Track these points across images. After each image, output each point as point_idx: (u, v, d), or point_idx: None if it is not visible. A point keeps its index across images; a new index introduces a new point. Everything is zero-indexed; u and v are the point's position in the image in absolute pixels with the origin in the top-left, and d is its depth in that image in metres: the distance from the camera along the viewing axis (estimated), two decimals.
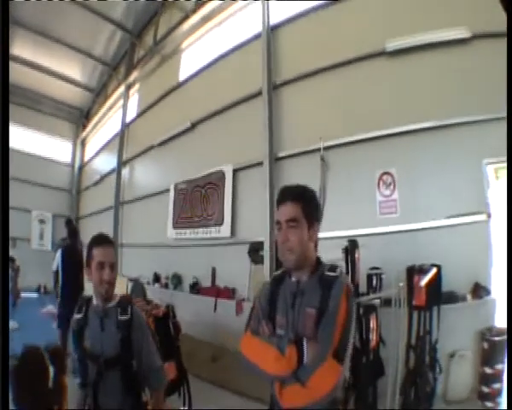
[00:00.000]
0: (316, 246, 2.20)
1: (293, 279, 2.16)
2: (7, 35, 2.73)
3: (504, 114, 5.59)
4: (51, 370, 2.05)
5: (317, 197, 2.27)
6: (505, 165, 6.01)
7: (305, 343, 1.97)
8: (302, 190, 2.20)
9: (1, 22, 2.82)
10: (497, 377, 5.26)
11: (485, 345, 5.34)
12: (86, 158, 18.05)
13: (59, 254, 7.50)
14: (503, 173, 6.04)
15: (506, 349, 2.46)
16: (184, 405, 4.16)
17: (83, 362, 2.62)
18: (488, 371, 5.29)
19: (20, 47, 13.43)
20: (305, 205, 2.11)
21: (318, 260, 2.18)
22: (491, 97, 5.77)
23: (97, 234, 2.75)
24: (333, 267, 2.11)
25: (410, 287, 4.96)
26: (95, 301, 2.70)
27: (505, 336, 5.21)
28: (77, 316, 2.74)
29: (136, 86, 13.73)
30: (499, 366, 5.26)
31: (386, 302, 5.06)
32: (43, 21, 12.48)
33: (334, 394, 1.92)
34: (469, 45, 6.25)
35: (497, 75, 5.81)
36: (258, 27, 8.69)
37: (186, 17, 10.77)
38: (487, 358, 5.34)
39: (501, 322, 5.48)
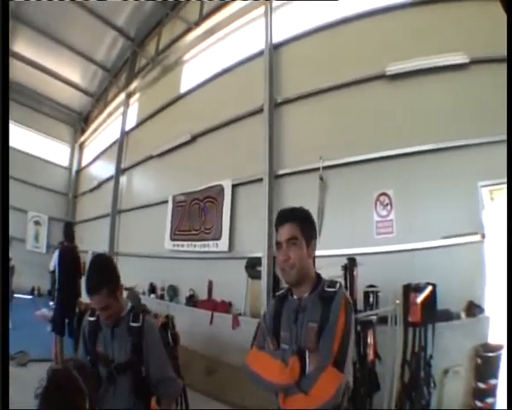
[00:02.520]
0: (314, 263, 2.33)
1: (295, 297, 2.28)
2: (7, 35, 2.74)
3: (500, 138, 5.76)
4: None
5: (312, 217, 2.38)
6: (500, 187, 6.12)
7: (307, 355, 2.08)
8: (299, 212, 2.35)
9: (1, 22, 2.84)
10: (490, 392, 5.32)
11: (479, 361, 5.40)
12: (84, 163, 17.99)
13: (56, 254, 7.54)
14: (498, 194, 6.13)
15: (506, 349, 2.51)
16: None
17: (94, 366, 2.64)
18: (481, 386, 5.33)
19: (24, 45, 13.44)
20: (302, 225, 2.26)
21: (318, 276, 2.32)
22: (487, 121, 5.95)
23: (89, 281, 2.62)
24: (332, 283, 2.24)
25: (406, 304, 5.04)
26: None
27: (498, 352, 5.30)
28: (90, 319, 2.78)
29: (137, 95, 13.75)
30: (492, 381, 5.30)
31: (382, 320, 5.17)
32: (48, 22, 12.50)
33: (336, 401, 2.01)
34: (467, 70, 6.40)
35: (494, 100, 5.96)
36: (260, 44, 8.77)
37: (189, 29, 10.83)
38: (481, 373, 5.39)
39: (494, 339, 5.58)
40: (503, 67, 5.86)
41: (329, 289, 2.20)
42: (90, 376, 2.28)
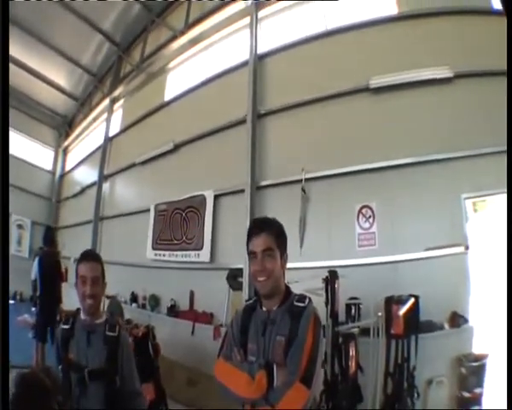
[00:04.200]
0: (284, 276, 2.34)
1: (264, 309, 2.30)
2: (7, 35, 2.71)
3: (483, 151, 5.80)
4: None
5: (285, 230, 2.39)
6: (484, 199, 6.18)
7: (275, 369, 2.09)
8: (274, 223, 2.39)
9: (1, 22, 2.81)
10: (475, 401, 5.34)
11: (463, 371, 5.44)
12: (68, 167, 17.75)
13: (36, 262, 7.43)
14: (482, 206, 6.20)
15: (506, 349, 2.52)
16: None
17: (66, 374, 2.66)
18: (466, 395, 5.38)
19: (9, 44, 13.26)
20: (277, 236, 2.29)
21: (288, 289, 2.34)
22: (470, 135, 6.08)
23: (84, 251, 2.88)
24: (301, 298, 2.26)
25: (389, 316, 5.04)
26: (82, 316, 2.76)
27: (483, 361, 5.34)
28: (64, 327, 2.80)
29: (121, 101, 13.66)
30: (477, 390, 5.35)
31: (365, 332, 5.21)
32: (34, 22, 12.31)
33: None
34: (451, 84, 6.50)
35: (477, 114, 6.03)
36: (245, 55, 8.78)
37: (175, 37, 10.76)
38: (465, 383, 5.43)
39: (478, 348, 5.61)
40: (487, 82, 5.98)
41: (299, 304, 2.22)
42: (57, 378, 2.31)
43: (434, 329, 5.69)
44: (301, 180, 7.35)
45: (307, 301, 2.25)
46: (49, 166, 17.94)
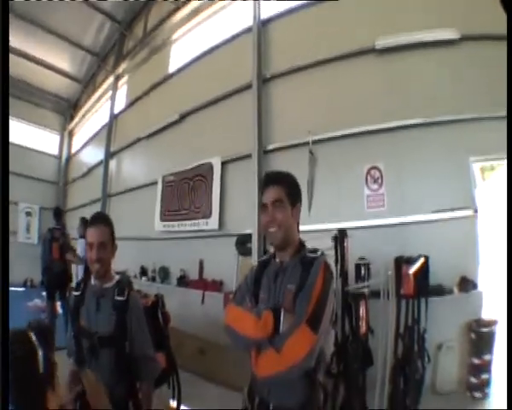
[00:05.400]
0: (298, 228, 2.35)
1: (277, 260, 2.32)
2: (7, 35, 2.70)
3: (490, 114, 5.73)
4: (40, 351, 2.02)
5: (298, 182, 2.39)
6: (492, 163, 6.12)
7: (282, 312, 2.07)
8: (285, 175, 2.38)
9: (1, 22, 2.78)
10: (485, 368, 5.36)
11: (473, 336, 5.43)
12: (74, 150, 17.79)
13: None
14: (490, 174, 6.16)
15: (507, 348, 2.51)
16: (174, 396, 4.14)
17: (78, 340, 2.67)
18: (476, 361, 5.39)
19: (10, 33, 13.20)
20: (287, 188, 2.28)
21: (301, 242, 2.33)
22: (479, 97, 5.99)
23: (93, 214, 2.88)
24: (314, 250, 2.27)
25: (399, 277, 4.93)
26: (92, 281, 2.77)
27: (493, 328, 5.35)
28: (75, 293, 2.81)
29: (125, 78, 13.61)
30: (487, 357, 5.36)
31: (374, 294, 5.08)
32: (33, 9, 12.26)
33: (308, 364, 1.98)
34: (458, 46, 6.39)
35: (486, 76, 5.95)
36: (249, 21, 8.69)
37: (177, 9, 10.66)
38: (475, 349, 5.43)
39: (488, 314, 5.60)
40: (494, 45, 5.89)
41: (311, 255, 2.23)
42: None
43: (444, 293, 5.69)
44: (308, 143, 7.29)
45: (319, 252, 2.25)
46: (55, 150, 18.00)
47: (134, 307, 2.72)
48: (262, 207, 2.29)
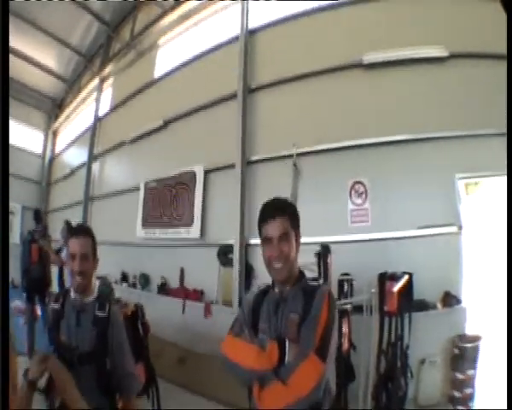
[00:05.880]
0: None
1: (277, 290, 2.22)
2: (7, 35, 2.69)
3: (475, 132, 5.80)
4: None
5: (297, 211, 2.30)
6: (476, 180, 6.19)
7: (287, 342, 2.01)
8: (288, 204, 2.30)
9: (1, 22, 2.74)
10: (468, 383, 5.39)
11: (456, 351, 5.47)
12: (57, 150, 17.50)
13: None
14: (474, 189, 6.21)
15: (507, 348, 2.52)
16: (153, 406, 4.11)
17: (58, 356, 2.54)
18: (459, 376, 5.43)
19: None
20: (292, 218, 2.19)
21: (301, 271, 2.26)
22: (465, 115, 6.07)
23: (74, 225, 2.88)
24: (315, 279, 2.29)
25: (382, 293, 4.97)
26: (72, 295, 2.69)
27: (476, 343, 5.40)
28: (54, 306, 2.73)
29: (111, 80, 13.49)
30: (470, 372, 5.39)
31: (357, 309, 5.10)
32: (21, 5, 12.09)
33: (318, 394, 1.90)
34: (446, 64, 6.46)
35: (473, 94, 6.00)
36: (236, 30, 8.66)
37: (164, 14, 10.60)
38: (458, 364, 5.47)
39: (471, 330, 5.64)
40: (483, 63, 5.95)
41: (312, 283, 2.19)
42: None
43: (427, 308, 5.72)
44: (293, 155, 7.28)
45: (321, 281, 2.36)
46: (38, 149, 17.67)
47: (115, 322, 2.66)
48: (266, 240, 2.18)
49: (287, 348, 2.00)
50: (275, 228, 2.13)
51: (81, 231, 2.78)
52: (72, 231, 2.75)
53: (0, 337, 2.13)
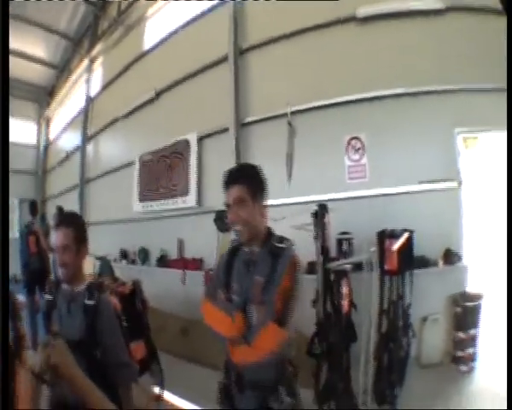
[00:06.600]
0: (265, 218, 2.46)
1: (246, 250, 2.44)
2: (7, 35, 2.67)
3: (473, 86, 5.71)
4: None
5: (261, 173, 2.44)
6: (475, 135, 6.10)
7: (252, 309, 2.27)
8: (245, 170, 2.51)
9: (1, 22, 2.66)
10: (470, 342, 5.36)
11: (458, 310, 5.42)
12: (51, 137, 17.44)
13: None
14: (473, 143, 6.13)
15: (507, 348, 2.49)
16: (156, 383, 4.06)
17: None
18: (462, 335, 5.42)
19: None
20: (249, 184, 2.35)
21: (269, 231, 2.46)
22: (464, 68, 5.95)
23: (61, 214, 2.80)
24: (281, 239, 2.39)
25: (382, 252, 4.89)
26: (63, 285, 2.68)
27: (478, 302, 5.35)
28: (47, 297, 2.75)
29: (100, 59, 13.32)
30: (472, 331, 5.36)
31: (357, 267, 5.00)
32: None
33: (280, 352, 2.22)
34: (444, 16, 6.32)
35: (472, 47, 5.87)
36: None
37: None
38: (460, 323, 5.45)
39: (473, 288, 5.61)
40: (480, 17, 5.83)
41: (278, 245, 2.34)
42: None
43: (428, 265, 5.68)
44: (287, 114, 7.14)
45: (288, 243, 2.36)
46: (32, 140, 17.64)
47: (104, 310, 2.59)
48: (226, 205, 2.38)
49: (252, 315, 2.26)
50: (231, 194, 2.33)
51: (62, 222, 2.69)
52: (55, 221, 2.68)
53: (0, 339, 2.06)
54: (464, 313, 5.37)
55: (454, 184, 5.91)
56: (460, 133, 6.07)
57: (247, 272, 2.36)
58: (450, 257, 5.71)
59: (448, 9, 6.23)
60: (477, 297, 5.39)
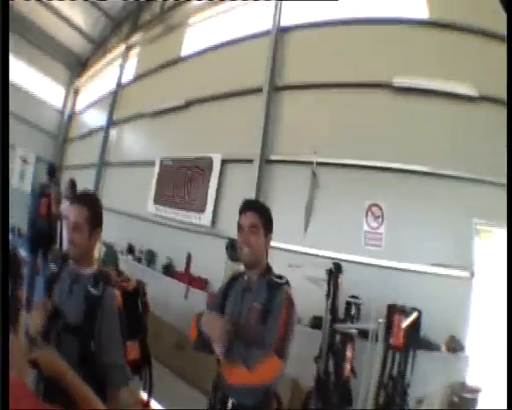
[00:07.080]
0: (267, 254, 2.71)
1: (245, 278, 2.69)
2: (7, 35, 2.70)
3: (492, 179, 5.66)
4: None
5: (271, 214, 2.74)
6: (489, 228, 6.09)
7: (243, 332, 2.44)
8: (262, 205, 2.88)
9: (1, 22, 2.74)
10: None
11: (455, 399, 5.40)
12: (77, 108, 17.42)
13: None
14: (486, 237, 6.12)
15: (507, 348, 2.62)
16: (145, 389, 4.11)
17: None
18: None
19: None
20: (264, 218, 2.66)
21: (268, 266, 2.70)
22: (488, 160, 5.92)
23: (78, 191, 2.80)
24: (280, 276, 2.62)
25: (389, 325, 5.03)
26: (71, 261, 2.64)
27: (476, 395, 5.32)
28: (52, 266, 2.78)
29: (137, 49, 13.40)
30: None
31: (362, 334, 5.15)
32: None
33: (272, 384, 2.43)
34: (475, 105, 6.35)
35: (499, 142, 5.93)
36: (267, 24, 8.52)
37: None
38: None
39: (472, 380, 5.55)
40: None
41: (277, 280, 2.57)
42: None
43: (431, 348, 5.65)
44: (312, 162, 7.20)
45: (284, 280, 2.59)
46: (59, 104, 17.53)
47: (107, 306, 2.49)
48: (239, 227, 2.63)
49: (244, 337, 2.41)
50: (247, 219, 2.60)
51: (78, 198, 2.70)
52: (71, 195, 2.74)
53: (0, 339, 2.13)
54: (461, 404, 5.25)
55: (466, 274, 5.91)
56: (478, 225, 6.08)
57: (241, 298, 2.60)
58: (454, 344, 5.70)
59: (482, 98, 6.26)
60: (476, 390, 5.35)
